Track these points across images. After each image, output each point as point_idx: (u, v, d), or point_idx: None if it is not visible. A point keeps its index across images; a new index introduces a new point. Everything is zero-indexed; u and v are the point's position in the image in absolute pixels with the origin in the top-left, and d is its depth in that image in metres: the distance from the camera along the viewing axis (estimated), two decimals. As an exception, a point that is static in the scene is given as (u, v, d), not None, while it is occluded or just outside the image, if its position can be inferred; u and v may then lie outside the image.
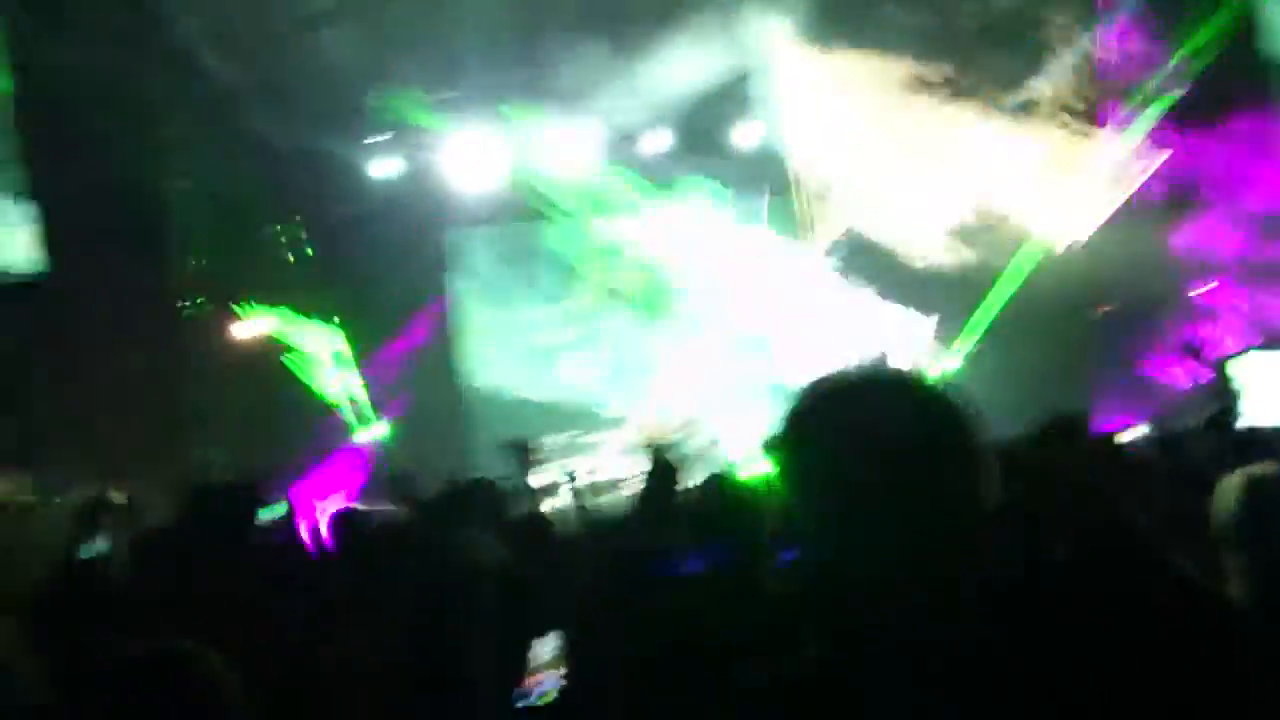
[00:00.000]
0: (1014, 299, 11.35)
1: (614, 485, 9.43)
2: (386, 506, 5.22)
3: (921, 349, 11.92)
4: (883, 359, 10.87)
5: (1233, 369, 7.37)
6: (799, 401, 1.49)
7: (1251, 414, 5.22)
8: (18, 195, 8.11)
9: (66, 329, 8.25)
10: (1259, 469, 2.72)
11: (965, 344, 11.77)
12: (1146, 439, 6.46)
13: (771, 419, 3.91)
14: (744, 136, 12.20)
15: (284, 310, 11.12)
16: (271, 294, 11.06)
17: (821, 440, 1.44)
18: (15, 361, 7.85)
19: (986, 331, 11.63)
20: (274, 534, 4.62)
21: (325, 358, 11.44)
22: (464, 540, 4.03)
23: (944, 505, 1.38)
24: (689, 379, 12.73)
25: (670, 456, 4.85)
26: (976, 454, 1.41)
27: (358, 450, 11.15)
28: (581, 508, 5.86)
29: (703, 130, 11.94)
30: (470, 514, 4.56)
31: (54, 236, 8.23)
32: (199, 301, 10.47)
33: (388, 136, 11.53)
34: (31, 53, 8.02)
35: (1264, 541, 2.60)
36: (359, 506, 4.86)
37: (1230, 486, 2.71)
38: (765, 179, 12.44)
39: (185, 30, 9.44)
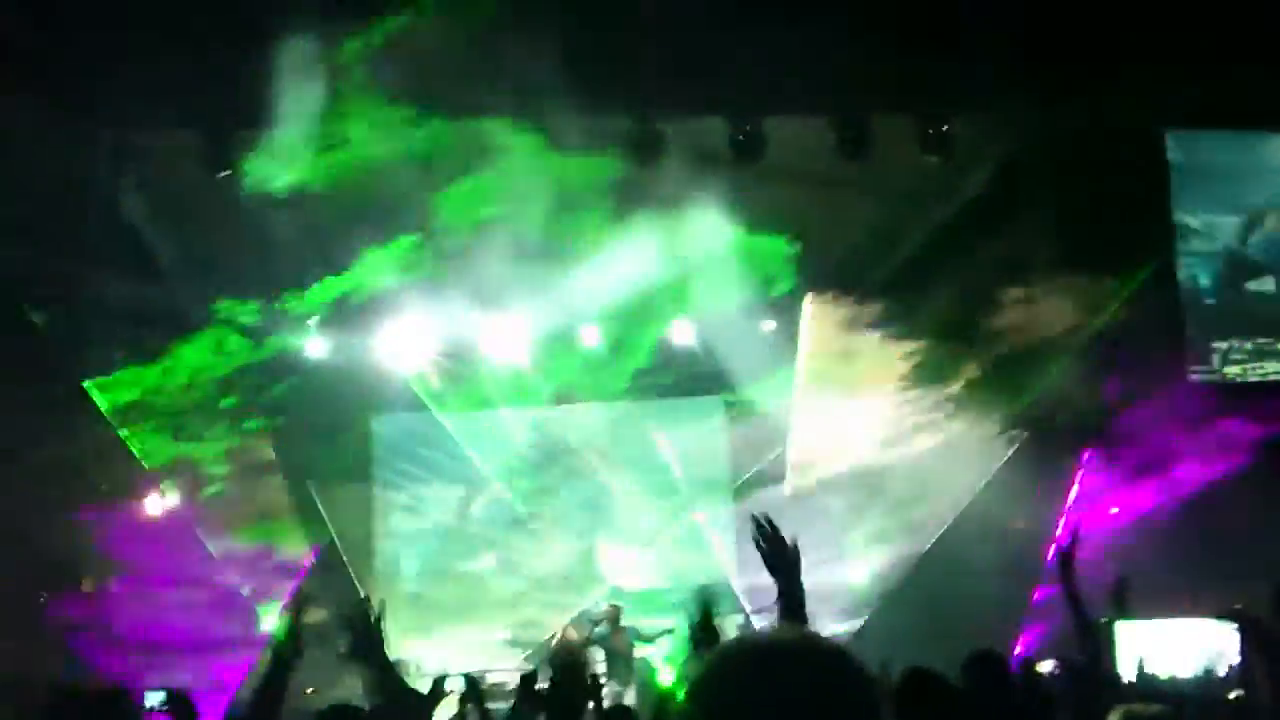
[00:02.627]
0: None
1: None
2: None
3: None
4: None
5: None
6: (709, 668, 1.49)
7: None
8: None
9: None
10: (1140, 708, 2.91)
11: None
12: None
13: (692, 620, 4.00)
14: (677, 335, 12.40)
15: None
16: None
17: (729, 713, 1.44)
18: None
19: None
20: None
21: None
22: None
23: None
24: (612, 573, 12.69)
25: (577, 668, 4.83)
26: None
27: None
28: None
29: (634, 329, 12.15)
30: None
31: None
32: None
33: (316, 318, 11.53)
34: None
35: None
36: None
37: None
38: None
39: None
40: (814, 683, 1.42)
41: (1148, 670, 7.54)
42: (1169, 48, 9.48)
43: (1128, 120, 10.50)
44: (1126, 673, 7.47)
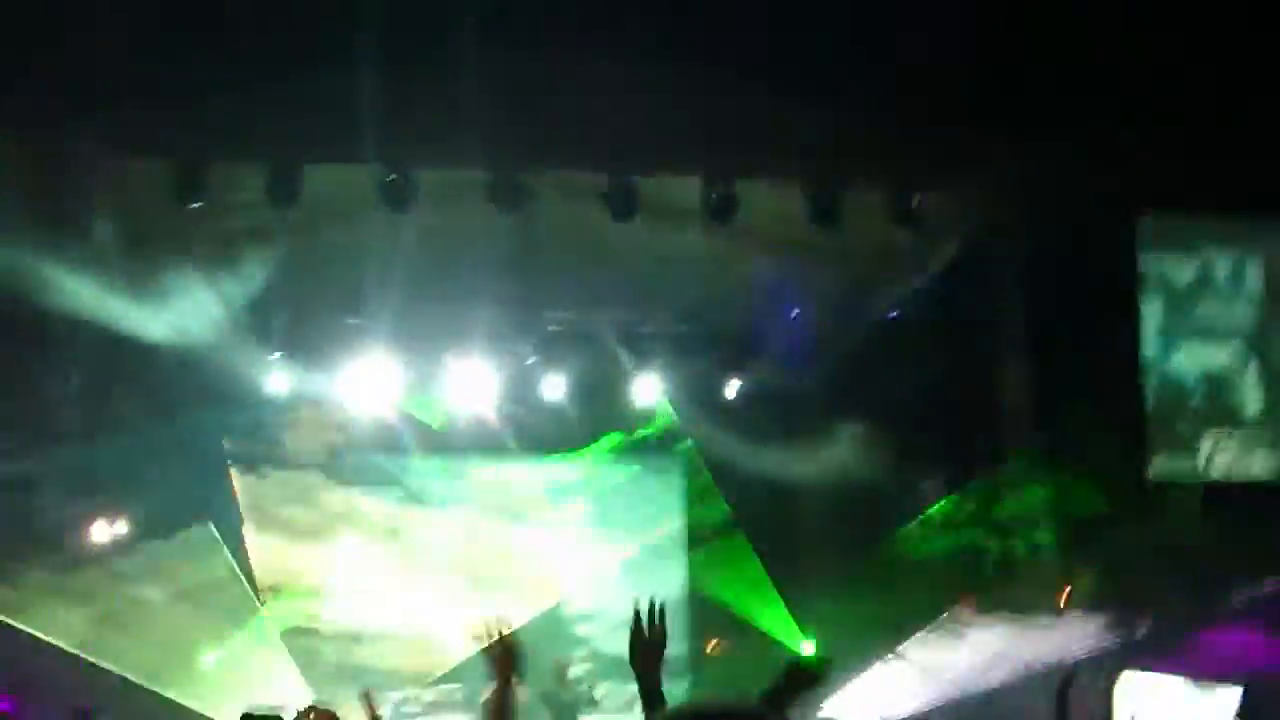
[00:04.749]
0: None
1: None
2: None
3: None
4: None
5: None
6: None
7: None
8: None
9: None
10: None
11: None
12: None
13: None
14: (641, 392, 12.37)
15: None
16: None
17: None
18: None
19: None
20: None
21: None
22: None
23: None
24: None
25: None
26: None
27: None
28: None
29: (601, 382, 12.15)
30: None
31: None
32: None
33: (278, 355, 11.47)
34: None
35: None
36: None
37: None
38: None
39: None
40: None
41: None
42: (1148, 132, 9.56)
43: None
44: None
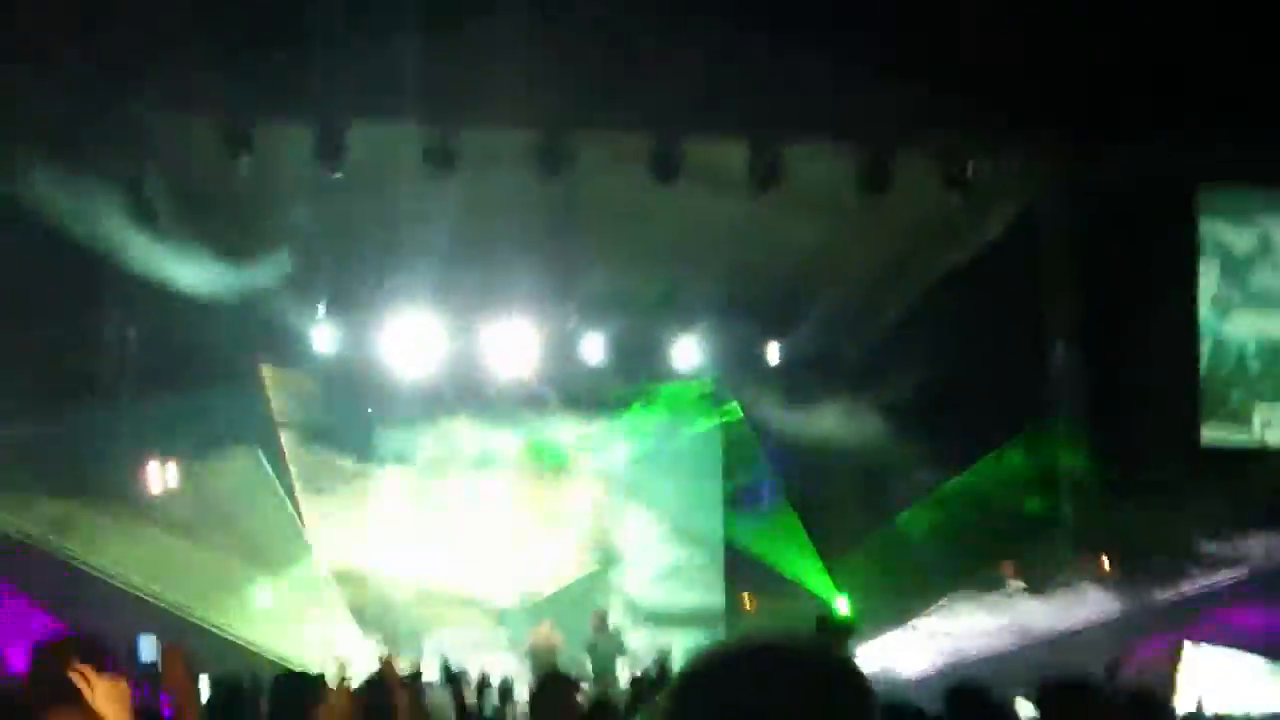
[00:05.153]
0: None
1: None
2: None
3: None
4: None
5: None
6: (681, 680, 1.34)
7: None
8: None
9: None
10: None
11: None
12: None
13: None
14: (681, 355, 12.41)
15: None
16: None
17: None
18: None
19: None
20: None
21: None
22: None
23: None
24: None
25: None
26: None
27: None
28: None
29: (641, 345, 12.19)
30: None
31: None
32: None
33: (323, 312, 11.63)
34: None
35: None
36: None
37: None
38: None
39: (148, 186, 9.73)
40: (808, 690, 1.29)
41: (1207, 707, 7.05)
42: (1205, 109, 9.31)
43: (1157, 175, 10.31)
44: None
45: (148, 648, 4.09)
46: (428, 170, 9.35)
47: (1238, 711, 7.43)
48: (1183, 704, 7.01)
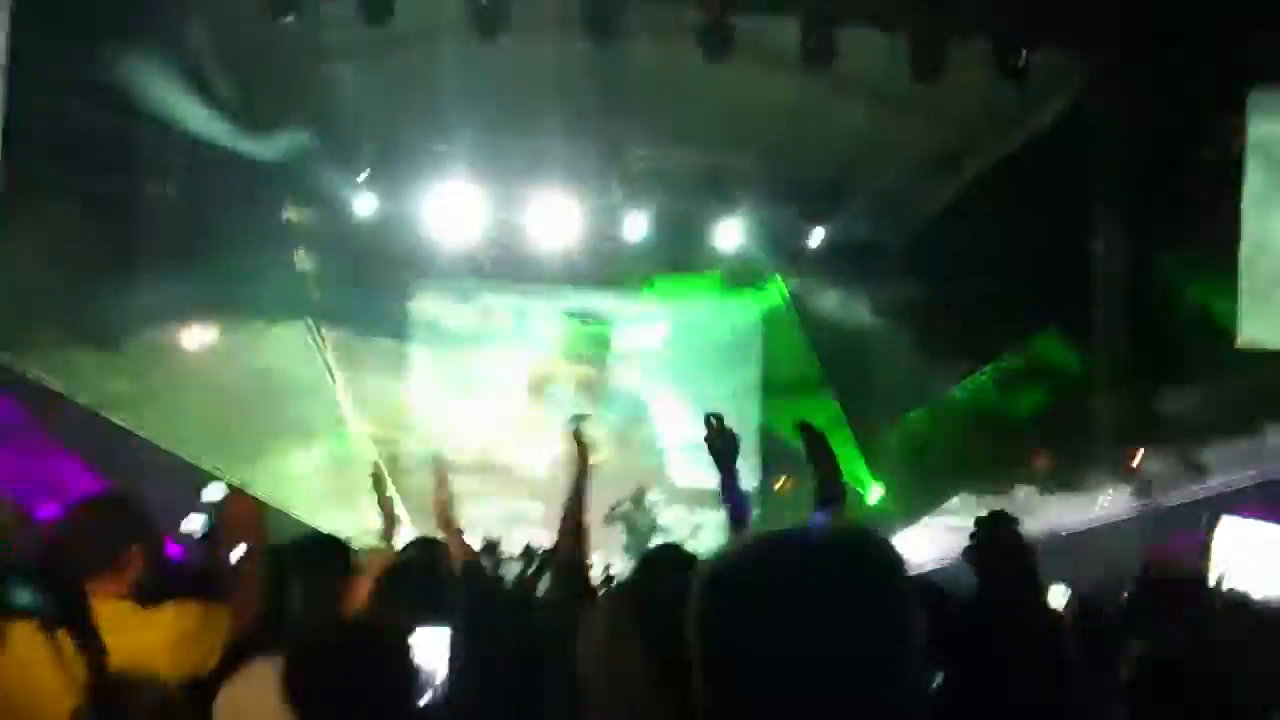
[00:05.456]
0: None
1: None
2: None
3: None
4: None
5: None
6: (716, 568, 1.30)
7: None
8: None
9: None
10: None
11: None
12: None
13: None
14: (723, 234, 12.31)
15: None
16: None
17: (742, 625, 1.25)
18: None
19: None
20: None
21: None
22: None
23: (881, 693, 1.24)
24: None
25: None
26: (915, 635, 1.27)
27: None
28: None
29: (683, 222, 12.08)
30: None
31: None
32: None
33: (366, 174, 11.54)
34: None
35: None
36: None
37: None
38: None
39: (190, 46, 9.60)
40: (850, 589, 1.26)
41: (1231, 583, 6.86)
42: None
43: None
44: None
45: (215, 489, 4.14)
46: (475, 35, 9.18)
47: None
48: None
